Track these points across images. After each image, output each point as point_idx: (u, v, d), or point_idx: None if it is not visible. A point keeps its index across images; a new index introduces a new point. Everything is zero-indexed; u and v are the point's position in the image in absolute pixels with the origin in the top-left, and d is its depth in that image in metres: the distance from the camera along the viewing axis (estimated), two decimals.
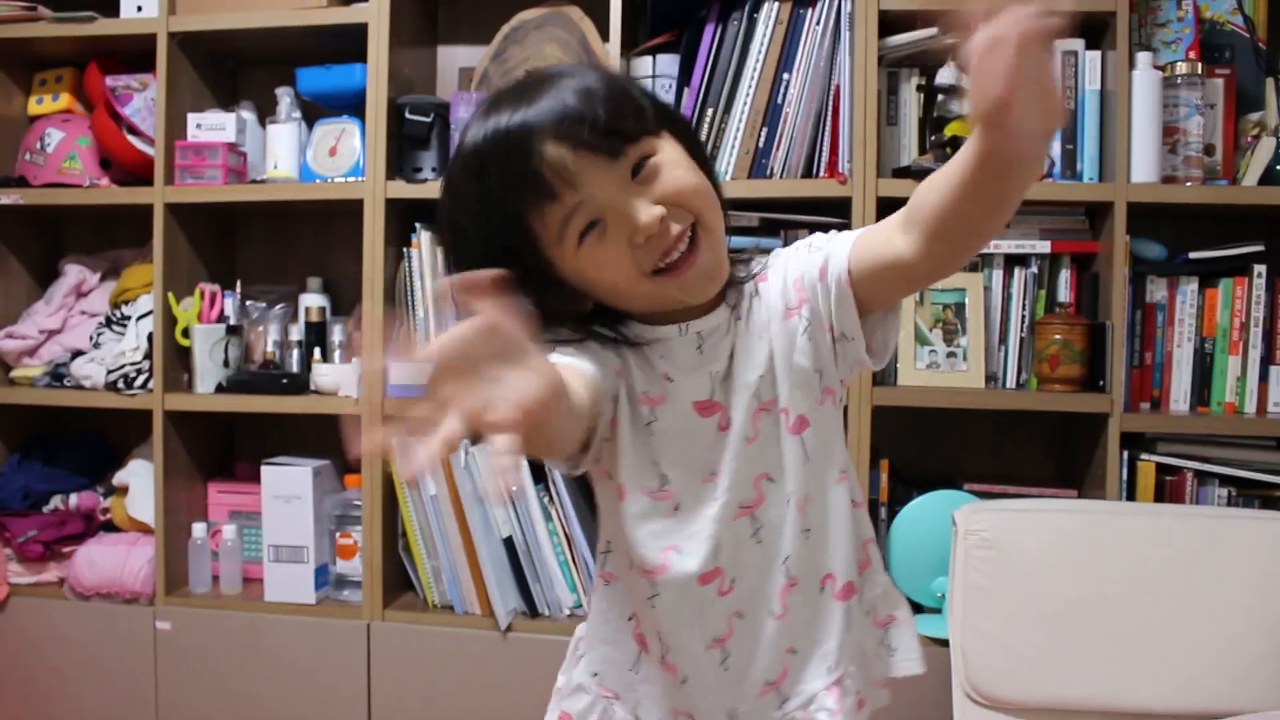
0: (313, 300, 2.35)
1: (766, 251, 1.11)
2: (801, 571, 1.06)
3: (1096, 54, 2.05)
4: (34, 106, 2.46)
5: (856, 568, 1.11)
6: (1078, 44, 2.05)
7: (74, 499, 2.43)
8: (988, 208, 0.89)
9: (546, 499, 2.12)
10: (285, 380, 2.27)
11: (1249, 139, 2.08)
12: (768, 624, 1.05)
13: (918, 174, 2.01)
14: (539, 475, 2.12)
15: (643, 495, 1.04)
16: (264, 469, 2.26)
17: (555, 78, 0.96)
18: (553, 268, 0.97)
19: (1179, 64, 2.04)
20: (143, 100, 2.32)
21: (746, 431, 1.03)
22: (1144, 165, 2.00)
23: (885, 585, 1.15)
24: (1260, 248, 2.07)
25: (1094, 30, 2.06)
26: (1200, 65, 2.04)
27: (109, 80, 2.32)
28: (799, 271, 1.04)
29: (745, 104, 2.05)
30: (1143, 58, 2.01)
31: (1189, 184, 2.02)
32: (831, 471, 1.07)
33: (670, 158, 0.97)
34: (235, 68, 2.54)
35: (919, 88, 2.12)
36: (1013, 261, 2.12)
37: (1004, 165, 0.84)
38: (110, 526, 2.41)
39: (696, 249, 0.97)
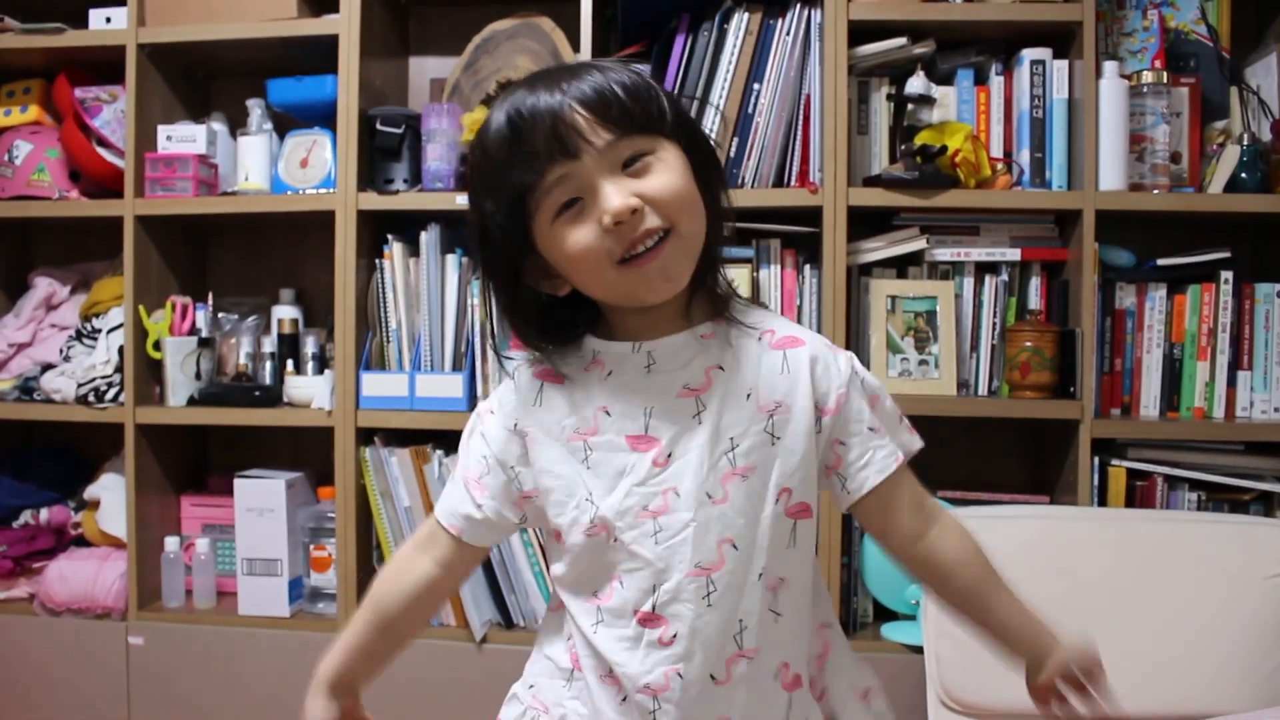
0: (285, 312, 2.34)
1: (763, 305, 1.15)
2: (760, 648, 1.04)
3: (1064, 63, 2.07)
4: (1, 118, 2.43)
5: (811, 656, 1.11)
6: (1045, 53, 2.07)
7: (44, 514, 2.41)
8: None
9: None
10: (258, 392, 2.26)
11: (1214, 147, 2.11)
12: (707, 687, 1.03)
13: (888, 182, 2.03)
14: None
15: (579, 533, 1.04)
16: (237, 481, 2.25)
17: (582, 66, 1.01)
18: (533, 243, 1.01)
19: (1145, 73, 2.06)
20: (112, 112, 2.30)
21: (710, 490, 1.02)
22: (1111, 173, 2.01)
23: (854, 661, 1.16)
24: (1227, 254, 2.09)
25: (1061, 40, 2.08)
26: (1166, 74, 2.06)
27: (78, 92, 2.31)
28: (845, 389, 1.06)
29: (716, 114, 2.06)
30: (1109, 67, 2.03)
31: (1156, 192, 2.04)
32: (808, 562, 1.08)
33: (668, 161, 0.99)
34: (206, 79, 2.53)
35: (889, 97, 2.13)
36: (983, 269, 2.14)
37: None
38: (81, 541, 2.39)
39: (662, 247, 0.98)
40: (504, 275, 1.04)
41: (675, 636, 1.02)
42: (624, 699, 1.05)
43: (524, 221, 0.99)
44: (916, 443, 1.11)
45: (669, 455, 1.02)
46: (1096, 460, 2.03)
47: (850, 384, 1.06)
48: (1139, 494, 2.05)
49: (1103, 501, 2.04)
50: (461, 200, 2.11)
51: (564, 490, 1.06)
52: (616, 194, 0.96)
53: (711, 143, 1.08)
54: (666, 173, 0.98)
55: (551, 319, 1.07)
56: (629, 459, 1.03)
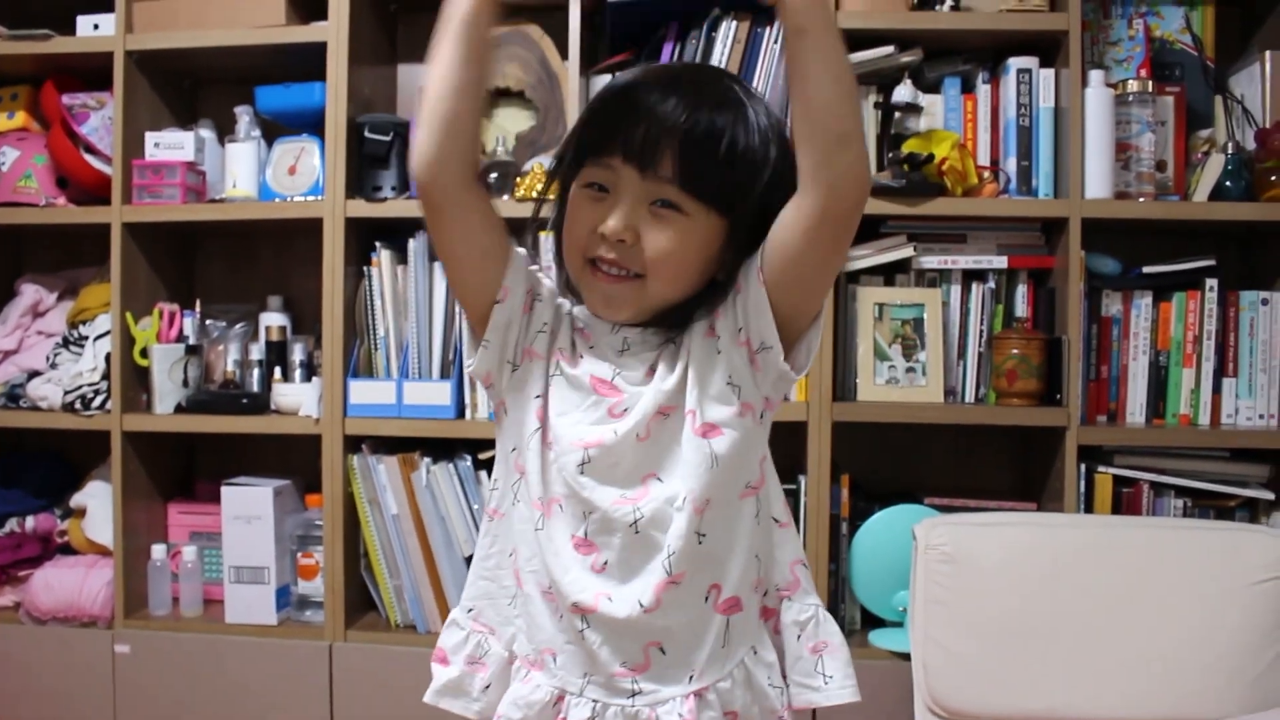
0: (273, 319, 2.34)
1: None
2: (687, 572, 1.05)
3: (1050, 72, 2.08)
4: None
5: (769, 587, 1.12)
6: (1031, 62, 2.08)
7: (30, 521, 2.40)
8: (805, 78, 0.94)
9: None
10: (245, 400, 2.25)
11: (1199, 155, 2.12)
12: (635, 614, 1.04)
13: (875, 190, 2.03)
14: None
15: (537, 438, 1.09)
16: (224, 489, 2.24)
17: (729, 94, 1.04)
18: (567, 190, 1.11)
19: (1130, 82, 2.07)
20: (100, 119, 2.30)
21: (639, 430, 1.07)
22: (1098, 181, 2.03)
23: (817, 610, 1.14)
24: (1211, 262, 2.11)
25: (1047, 49, 2.09)
26: (1151, 83, 2.08)
27: (65, 98, 2.30)
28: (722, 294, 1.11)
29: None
30: (1095, 76, 2.04)
31: (1141, 200, 2.06)
32: (738, 484, 1.08)
33: (688, 230, 1.03)
34: (193, 86, 2.52)
35: (877, 105, 2.14)
36: (970, 277, 2.15)
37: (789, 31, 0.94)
38: (68, 549, 2.38)
39: (621, 282, 1.05)
40: (557, 176, 1.14)
41: (606, 564, 1.06)
42: (560, 617, 1.08)
43: (578, 158, 1.08)
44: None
45: (625, 409, 1.08)
46: (1083, 467, 2.04)
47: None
48: (1125, 500, 2.07)
49: (1089, 508, 2.05)
50: None
51: (534, 391, 1.10)
52: (620, 219, 1.02)
53: (761, 224, 1.06)
54: (676, 241, 1.03)
55: None
56: (588, 398, 1.09)
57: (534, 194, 1.16)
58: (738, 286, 1.06)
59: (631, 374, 1.09)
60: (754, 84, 2.06)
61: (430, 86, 1.02)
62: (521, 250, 1.12)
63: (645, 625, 1.05)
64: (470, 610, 1.18)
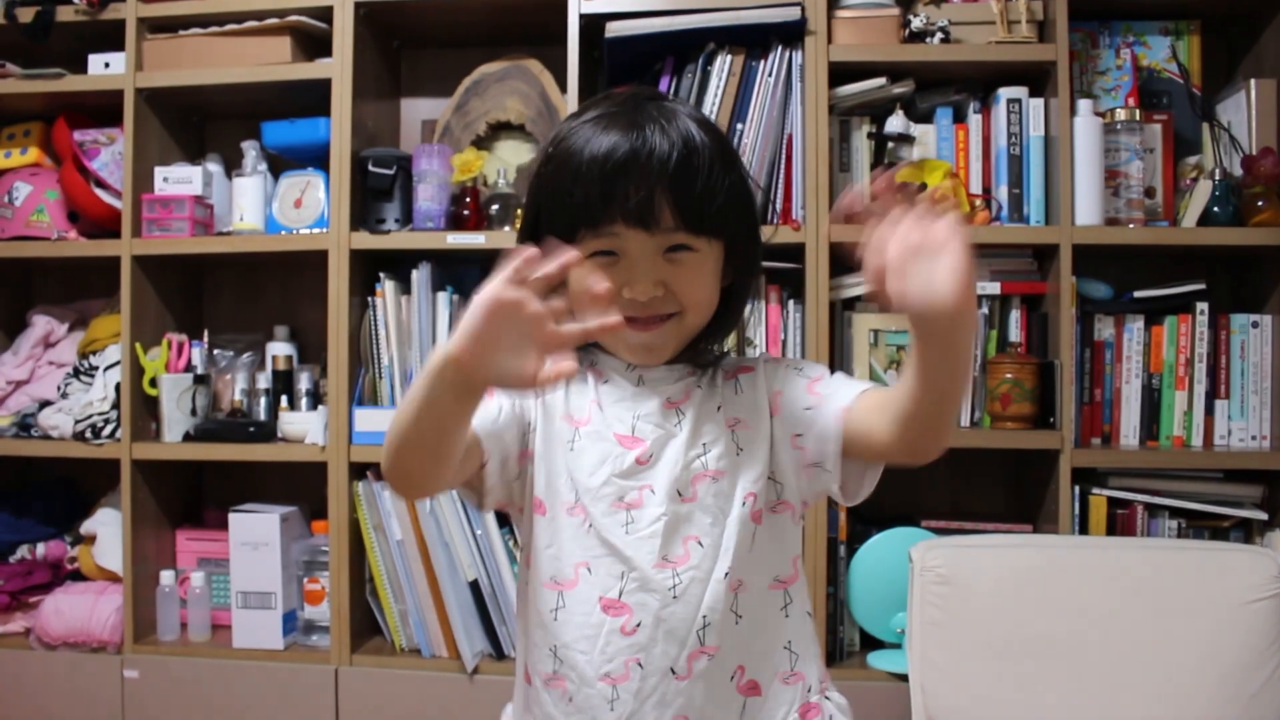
0: (279, 349, 2.38)
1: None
2: (721, 647, 1.07)
3: (1039, 101, 2.11)
4: (2, 160, 2.47)
5: (780, 677, 1.13)
6: (1021, 92, 2.12)
7: (41, 548, 2.44)
8: (931, 392, 0.93)
9: (511, 542, 2.14)
10: (252, 428, 2.29)
11: (1187, 181, 2.15)
12: (667, 681, 1.07)
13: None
14: (503, 519, 2.14)
15: (560, 510, 1.10)
16: (232, 516, 2.27)
17: (674, 117, 1.05)
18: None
19: (1118, 110, 2.11)
20: (110, 154, 2.35)
21: (681, 488, 1.08)
22: (1088, 208, 2.06)
23: (843, 705, 1.18)
24: (1201, 286, 2.14)
25: (1036, 79, 2.13)
26: (1139, 111, 2.11)
27: (77, 134, 2.35)
28: (781, 387, 1.12)
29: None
30: (1084, 105, 2.08)
31: (1131, 226, 2.09)
32: (769, 574, 1.12)
33: (704, 262, 1.07)
34: (201, 122, 2.57)
35: (869, 135, 2.18)
36: None
37: (924, 338, 0.90)
38: (77, 575, 2.41)
39: (659, 326, 1.08)
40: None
41: (639, 626, 1.06)
42: (570, 700, 1.08)
43: (568, 234, 1.05)
44: (859, 385, 1.09)
45: (651, 455, 1.09)
46: (1077, 489, 2.06)
47: (786, 381, 1.12)
48: (1120, 522, 2.09)
49: (1084, 530, 2.07)
50: (452, 239, 2.15)
51: (551, 465, 1.11)
52: (647, 279, 1.04)
53: (756, 235, 1.14)
54: (698, 274, 1.07)
55: None
56: (613, 449, 1.10)
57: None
58: (815, 408, 1.07)
59: (649, 416, 1.10)
60: (749, 115, 2.10)
61: (401, 435, 0.94)
62: (496, 415, 1.08)
63: (674, 695, 1.07)
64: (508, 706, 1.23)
